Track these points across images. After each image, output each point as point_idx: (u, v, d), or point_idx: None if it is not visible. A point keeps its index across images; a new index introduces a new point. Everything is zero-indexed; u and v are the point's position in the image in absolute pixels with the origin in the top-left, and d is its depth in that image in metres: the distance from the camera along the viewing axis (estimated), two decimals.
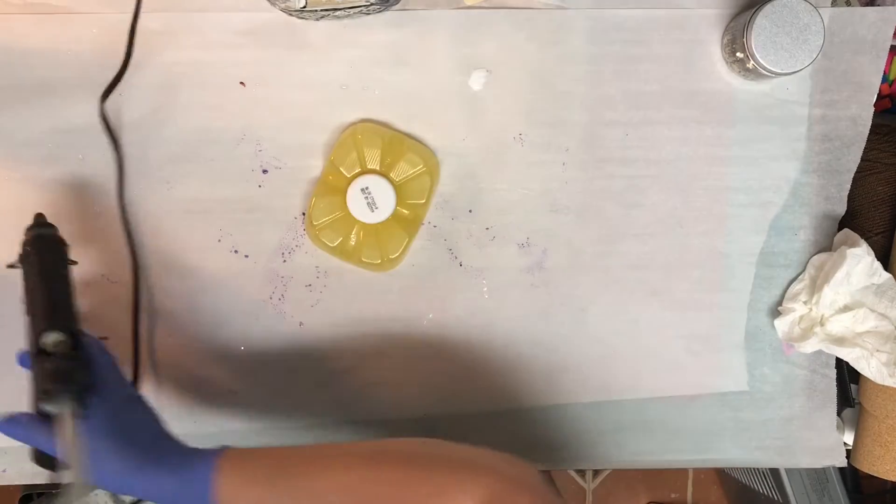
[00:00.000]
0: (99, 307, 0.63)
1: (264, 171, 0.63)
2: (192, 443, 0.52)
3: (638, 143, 0.63)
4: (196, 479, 0.48)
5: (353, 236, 0.62)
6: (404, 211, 0.62)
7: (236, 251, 0.64)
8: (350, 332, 0.64)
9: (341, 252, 0.62)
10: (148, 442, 0.50)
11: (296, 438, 0.65)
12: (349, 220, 0.61)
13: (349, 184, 0.60)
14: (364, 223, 0.61)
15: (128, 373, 0.63)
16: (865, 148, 0.64)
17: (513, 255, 0.64)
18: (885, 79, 0.71)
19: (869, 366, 0.61)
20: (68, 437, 0.45)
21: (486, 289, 0.65)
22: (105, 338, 0.57)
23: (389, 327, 0.65)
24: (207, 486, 0.47)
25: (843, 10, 0.62)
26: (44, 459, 0.52)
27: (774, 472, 1.15)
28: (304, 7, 0.58)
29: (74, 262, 0.57)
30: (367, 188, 0.60)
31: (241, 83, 0.62)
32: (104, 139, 0.62)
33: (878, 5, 0.63)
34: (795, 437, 0.67)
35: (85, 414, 0.47)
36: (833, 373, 0.66)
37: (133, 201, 0.63)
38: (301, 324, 0.64)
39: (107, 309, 0.63)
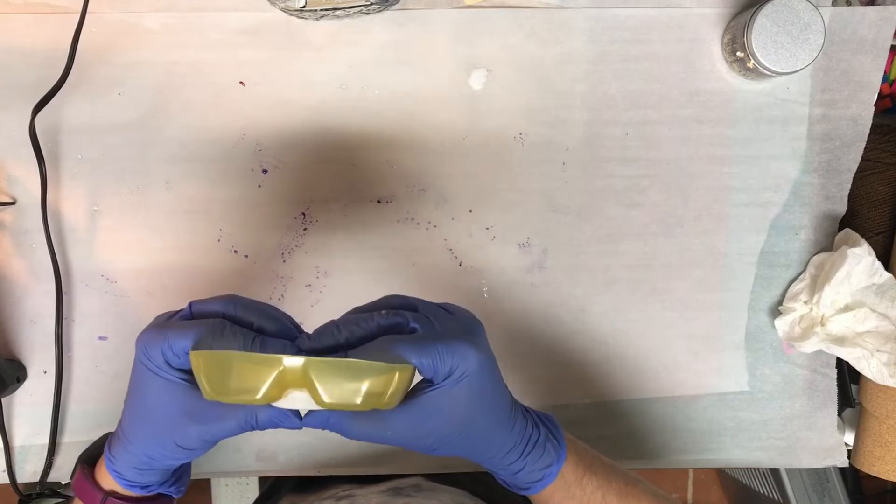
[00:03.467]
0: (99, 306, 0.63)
1: (264, 171, 0.63)
2: None
3: (638, 143, 0.63)
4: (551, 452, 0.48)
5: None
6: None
7: (236, 251, 0.64)
8: None
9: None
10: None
11: (296, 438, 0.65)
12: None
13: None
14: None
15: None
16: (866, 148, 0.64)
17: (513, 255, 0.64)
18: (885, 78, 0.71)
19: (869, 366, 0.61)
20: None
21: (486, 289, 0.64)
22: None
23: None
24: (560, 463, 0.48)
25: (844, 10, 0.62)
26: None
27: (775, 472, 1.15)
28: (304, 7, 0.58)
29: None
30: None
31: (241, 83, 0.62)
32: (96, 138, 0.62)
33: (879, 5, 0.63)
34: (796, 437, 0.67)
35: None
36: (833, 373, 0.66)
37: (132, 201, 0.63)
38: (301, 324, 0.64)
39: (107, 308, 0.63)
